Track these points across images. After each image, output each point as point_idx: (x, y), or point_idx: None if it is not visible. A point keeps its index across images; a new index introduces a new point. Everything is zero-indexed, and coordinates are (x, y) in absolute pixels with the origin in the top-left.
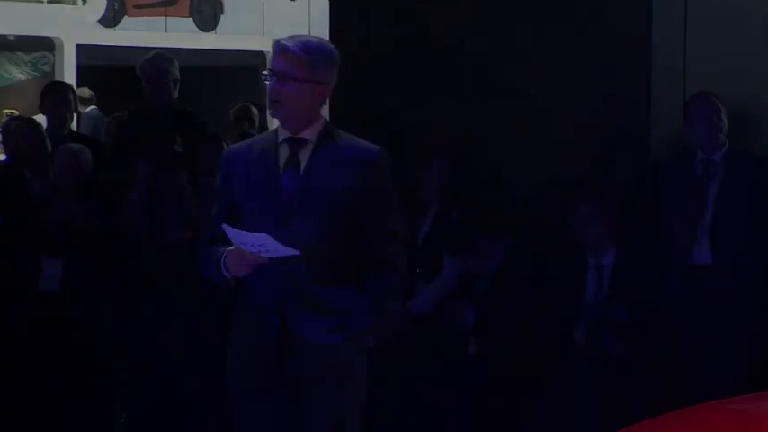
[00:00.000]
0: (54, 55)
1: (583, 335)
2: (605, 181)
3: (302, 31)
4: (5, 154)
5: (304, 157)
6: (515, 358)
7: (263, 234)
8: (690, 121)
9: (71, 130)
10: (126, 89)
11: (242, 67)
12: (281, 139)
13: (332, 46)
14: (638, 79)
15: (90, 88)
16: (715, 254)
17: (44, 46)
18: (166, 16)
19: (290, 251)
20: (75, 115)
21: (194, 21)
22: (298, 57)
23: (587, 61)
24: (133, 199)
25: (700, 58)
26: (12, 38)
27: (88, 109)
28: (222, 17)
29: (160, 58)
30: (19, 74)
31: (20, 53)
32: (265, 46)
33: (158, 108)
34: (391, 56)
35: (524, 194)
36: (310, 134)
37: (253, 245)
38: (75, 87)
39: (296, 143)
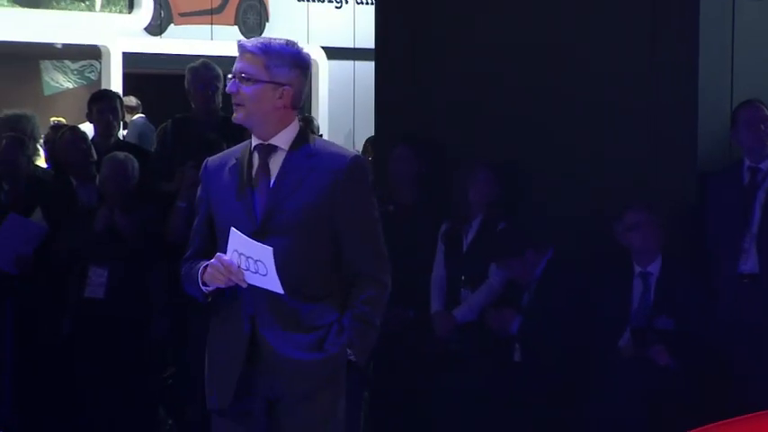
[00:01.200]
0: (101, 63)
1: (628, 343)
2: (652, 189)
3: (347, 39)
4: (52, 162)
5: (275, 165)
6: (560, 366)
7: (270, 249)
8: (737, 129)
9: (118, 139)
10: (172, 97)
11: None
12: (253, 146)
13: (299, 49)
14: (686, 89)
15: (135, 96)
16: (762, 262)
17: (91, 54)
18: (212, 24)
19: (278, 287)
20: (121, 123)
21: (239, 28)
22: (255, 57)
23: (635, 71)
24: (180, 207)
25: (746, 67)
26: (59, 46)
27: (135, 117)
28: (267, 25)
29: (205, 66)
30: (66, 82)
31: (67, 61)
32: (311, 54)
33: (203, 116)
34: (437, 63)
35: (570, 203)
36: (282, 141)
37: (250, 258)
38: (121, 95)
39: (266, 150)
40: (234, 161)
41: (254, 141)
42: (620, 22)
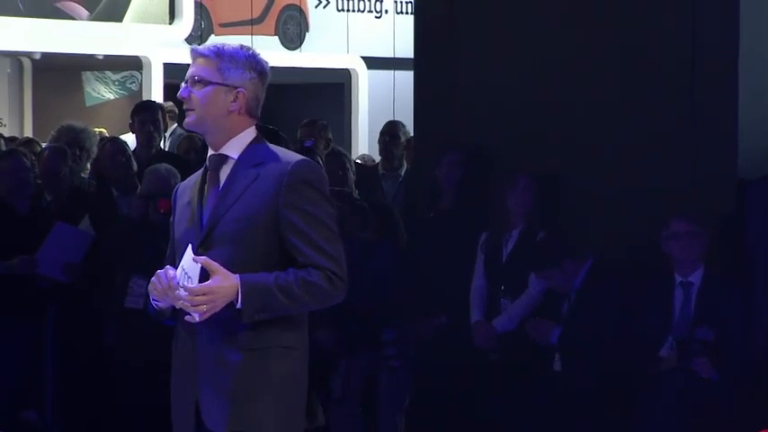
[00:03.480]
0: (141, 74)
1: (670, 354)
2: (693, 197)
3: (387, 48)
4: (95, 173)
5: (224, 175)
6: (600, 376)
7: (198, 265)
8: None
9: (159, 149)
10: None
11: (327, 84)
12: (207, 156)
13: (255, 53)
14: (726, 96)
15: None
16: None
17: (132, 65)
18: (252, 34)
19: (196, 314)
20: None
21: (279, 39)
22: (207, 60)
23: (675, 79)
24: None
25: None
26: (100, 57)
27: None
28: (307, 35)
29: None
30: (107, 93)
31: (108, 72)
32: (351, 64)
33: None
34: (476, 73)
35: (610, 212)
36: (232, 149)
37: (189, 276)
38: (163, 106)
39: (218, 160)
40: (196, 178)
41: (209, 152)
42: (661, 31)
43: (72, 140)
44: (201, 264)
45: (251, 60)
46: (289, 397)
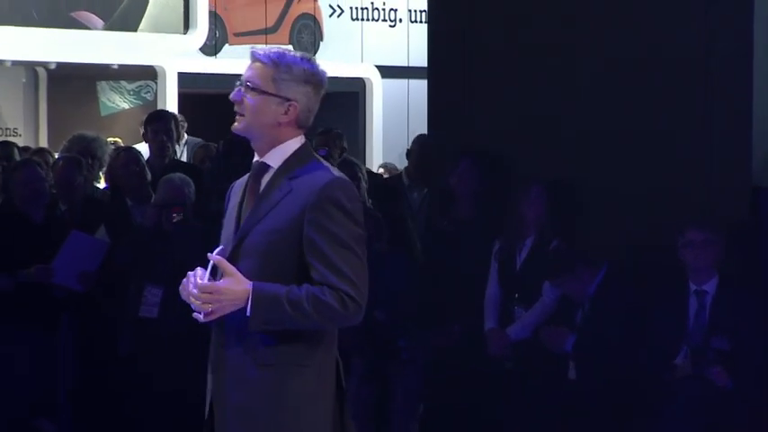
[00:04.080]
0: (156, 83)
1: (685, 362)
2: (706, 204)
3: (401, 57)
4: (110, 183)
5: (264, 183)
6: (615, 384)
7: (206, 276)
8: None
9: (172, 159)
10: (226, 117)
11: (341, 93)
12: (252, 162)
13: (314, 65)
14: (739, 103)
15: (185, 115)
16: None
17: (147, 75)
18: (266, 44)
19: (201, 313)
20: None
21: (294, 48)
22: (264, 67)
23: (688, 87)
24: None
25: None
26: (115, 67)
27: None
28: (321, 44)
29: None
30: (122, 102)
31: (123, 82)
32: (365, 72)
33: None
34: (491, 82)
35: (623, 220)
36: (274, 159)
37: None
38: (176, 115)
39: (260, 168)
40: (247, 179)
41: (255, 156)
42: (674, 38)
43: (84, 150)
44: (214, 262)
45: (308, 73)
46: (303, 416)
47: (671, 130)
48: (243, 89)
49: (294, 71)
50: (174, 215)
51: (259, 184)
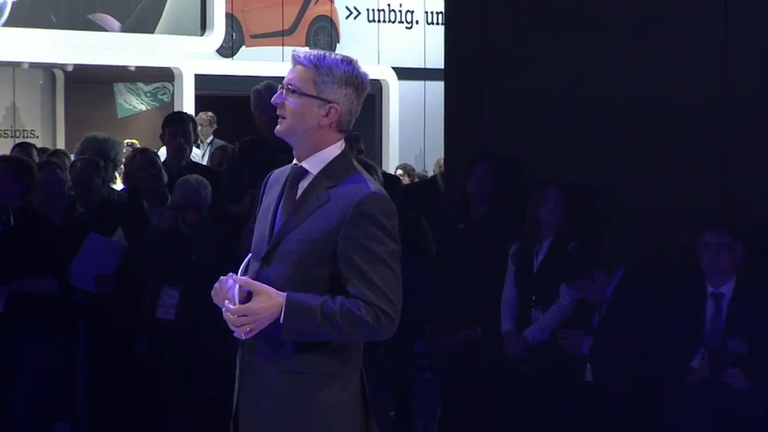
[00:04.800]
0: (173, 85)
1: (702, 364)
2: (727, 208)
3: (418, 59)
4: (127, 184)
5: (302, 189)
6: (632, 387)
7: (234, 283)
8: None
9: (189, 161)
10: (243, 119)
11: None
12: (291, 165)
13: (356, 67)
14: (759, 104)
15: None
16: None
17: (164, 76)
18: (283, 45)
19: (241, 332)
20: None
21: (310, 50)
22: (305, 69)
23: (706, 88)
24: (251, 228)
25: None
26: (132, 69)
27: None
28: (338, 46)
29: (268, 88)
30: (139, 104)
31: (140, 84)
32: (381, 74)
33: (270, 137)
34: (507, 83)
35: (641, 222)
36: (313, 164)
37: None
38: (194, 118)
39: (298, 172)
40: (285, 175)
41: (294, 159)
42: (692, 39)
43: (98, 151)
44: (240, 284)
45: (349, 75)
46: (331, 426)
47: (688, 134)
48: (284, 92)
49: (335, 73)
50: (192, 219)
51: (296, 189)
